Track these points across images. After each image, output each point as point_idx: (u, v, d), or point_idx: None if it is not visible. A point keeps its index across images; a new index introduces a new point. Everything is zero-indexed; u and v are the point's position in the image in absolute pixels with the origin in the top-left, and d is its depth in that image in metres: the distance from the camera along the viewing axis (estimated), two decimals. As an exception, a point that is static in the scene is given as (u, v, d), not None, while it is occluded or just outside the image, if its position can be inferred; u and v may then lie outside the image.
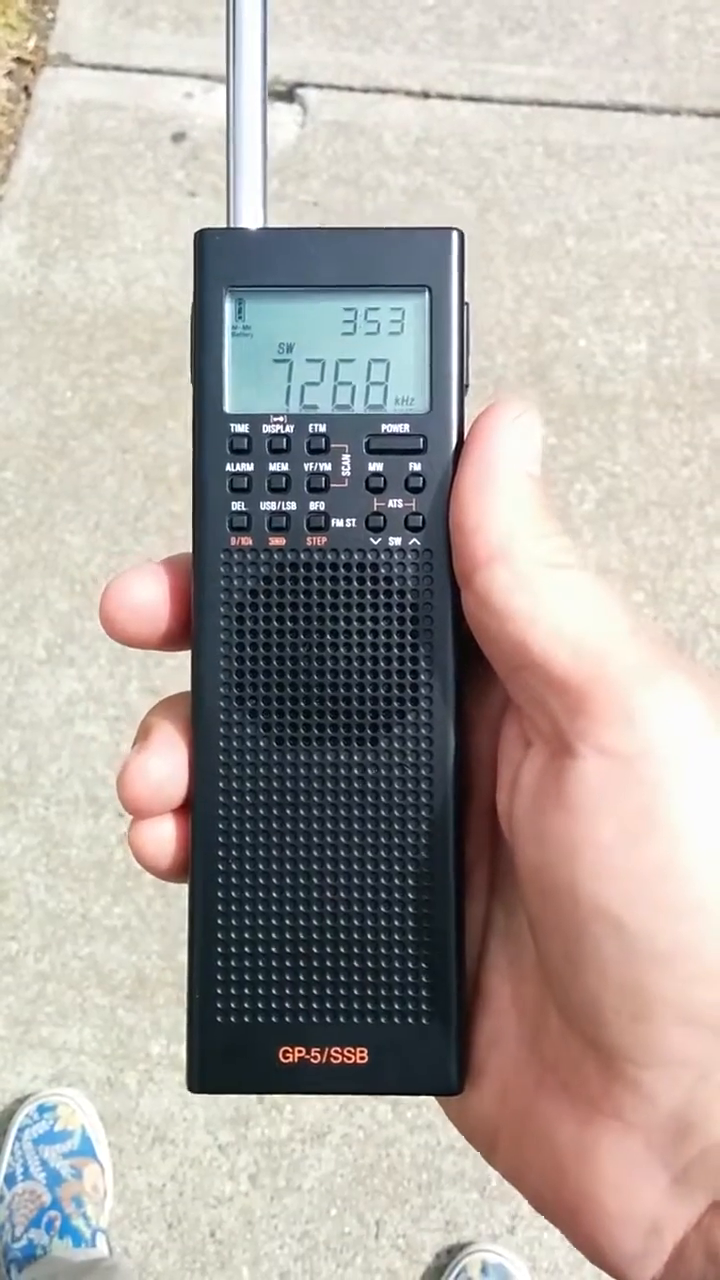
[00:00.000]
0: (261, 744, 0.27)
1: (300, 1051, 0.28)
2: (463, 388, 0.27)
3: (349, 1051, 0.28)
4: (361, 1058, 0.28)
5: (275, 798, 0.27)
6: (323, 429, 0.26)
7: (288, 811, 0.27)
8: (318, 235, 0.27)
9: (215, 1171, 1.21)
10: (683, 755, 0.23)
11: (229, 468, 0.27)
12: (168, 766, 0.28)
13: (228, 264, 0.27)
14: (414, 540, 0.26)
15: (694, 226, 1.59)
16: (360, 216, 1.63)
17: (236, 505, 0.27)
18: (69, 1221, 1.16)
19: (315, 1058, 0.28)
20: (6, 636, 1.44)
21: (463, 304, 0.27)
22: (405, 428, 0.26)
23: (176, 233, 1.64)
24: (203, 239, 0.28)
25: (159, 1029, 1.25)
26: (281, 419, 0.26)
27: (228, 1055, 0.28)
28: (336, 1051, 0.28)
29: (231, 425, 0.26)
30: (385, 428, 0.26)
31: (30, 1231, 1.16)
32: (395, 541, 0.26)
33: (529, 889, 0.25)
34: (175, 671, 1.41)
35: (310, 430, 0.26)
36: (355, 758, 0.27)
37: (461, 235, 0.27)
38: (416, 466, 0.26)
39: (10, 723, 1.39)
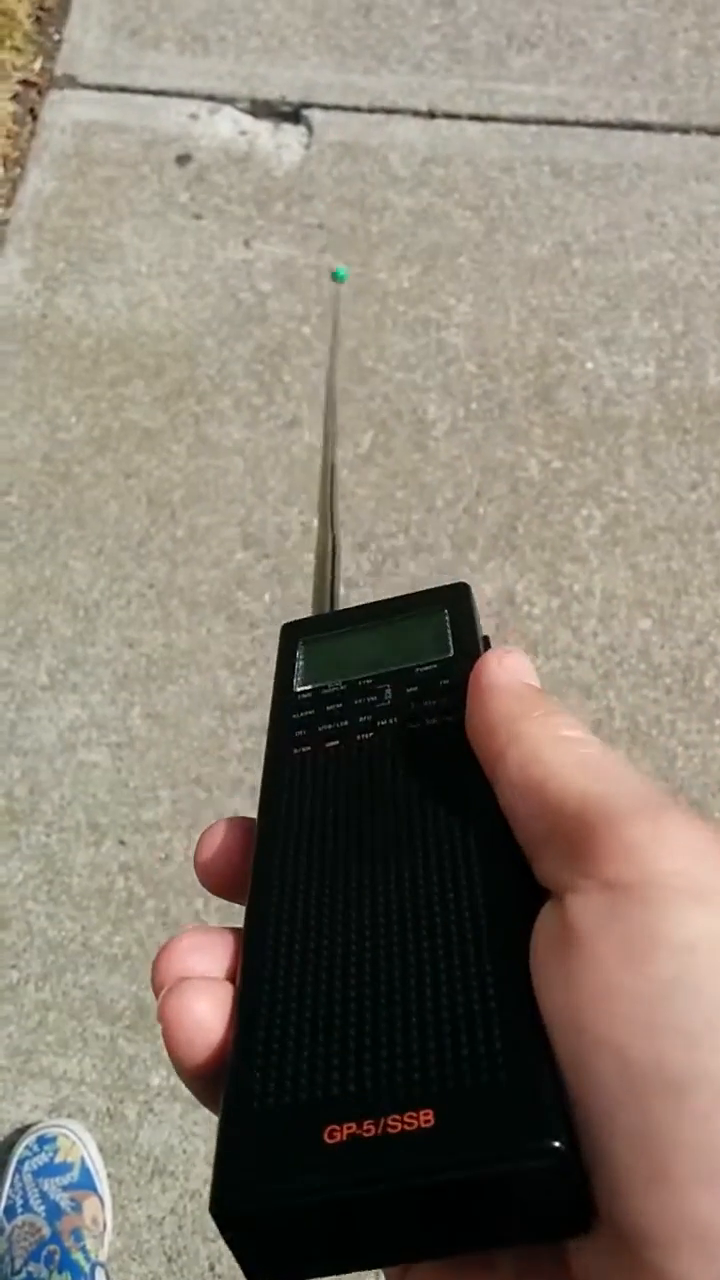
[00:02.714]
0: (316, 858, 0.29)
1: (350, 1127, 0.23)
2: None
3: (411, 1116, 0.22)
4: (427, 1120, 0.22)
5: (326, 896, 0.28)
6: (370, 681, 0.33)
7: (339, 906, 0.28)
8: (371, 605, 0.37)
9: (215, 1206, 1.20)
10: (686, 876, 0.22)
11: (293, 716, 0.33)
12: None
13: (302, 633, 0.37)
14: (449, 718, 0.31)
15: (703, 246, 1.57)
16: (366, 238, 1.62)
17: (300, 732, 0.32)
18: (68, 1255, 1.15)
19: (369, 1130, 0.22)
20: (9, 662, 1.43)
21: (479, 627, 0.34)
22: (434, 666, 0.33)
23: (181, 255, 1.64)
24: (284, 629, 0.37)
25: (159, 1060, 1.24)
26: (337, 682, 0.34)
27: (260, 1150, 0.23)
28: (395, 1119, 0.22)
29: (299, 695, 0.34)
30: (419, 669, 0.33)
31: (29, 1265, 1.16)
32: (431, 721, 0.31)
33: (553, 1040, 0.23)
34: (177, 697, 1.40)
35: (359, 684, 0.33)
36: (406, 864, 0.28)
37: (471, 589, 0.35)
38: (446, 681, 0.32)
39: (12, 749, 1.39)
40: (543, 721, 0.28)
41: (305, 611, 1.41)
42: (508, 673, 0.30)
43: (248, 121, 1.73)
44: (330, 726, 0.32)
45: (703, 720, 1.34)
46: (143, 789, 1.36)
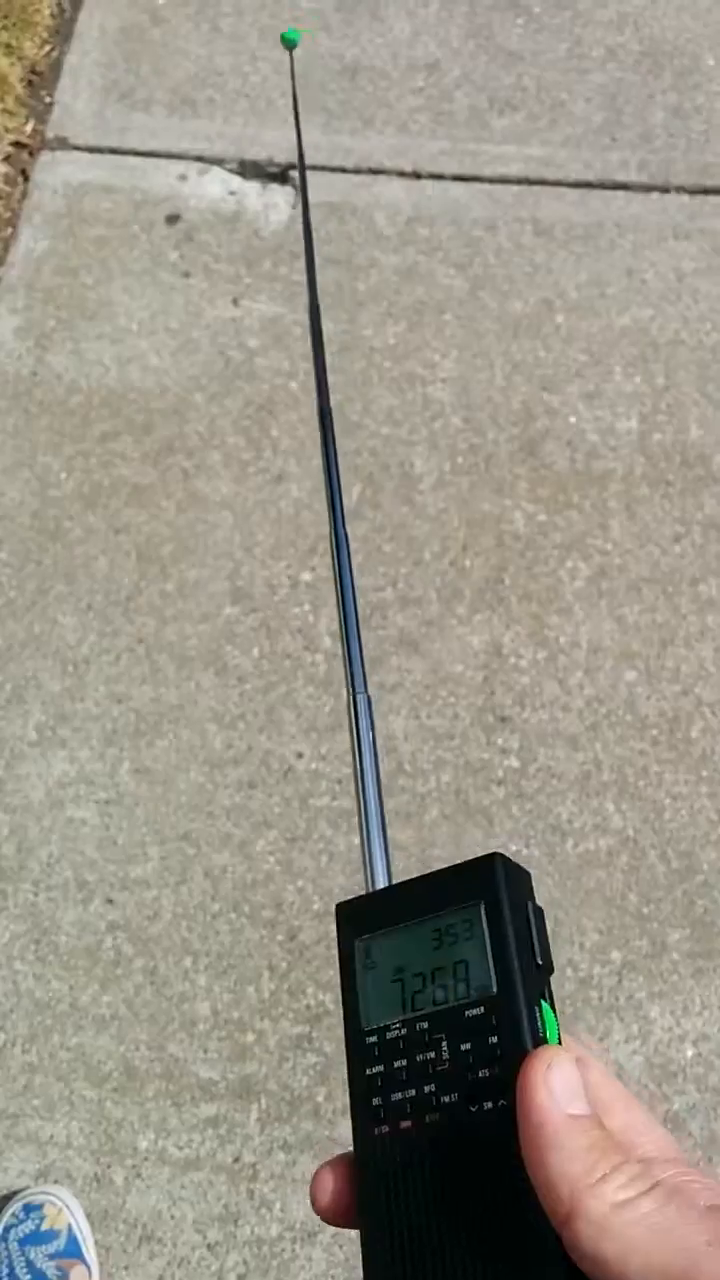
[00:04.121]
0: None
1: None
2: (526, 965, 0.36)
3: None
4: None
5: None
6: (426, 1025, 0.36)
7: None
8: (410, 884, 0.39)
9: (204, 1272, 1.18)
10: None
11: (367, 1070, 0.37)
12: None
13: (356, 922, 0.40)
14: (502, 1102, 0.33)
15: (683, 302, 1.60)
16: (352, 296, 1.65)
17: (375, 1100, 0.37)
18: (54, 1326, 1.13)
19: None
20: (-2, 718, 1.44)
21: (518, 905, 0.36)
22: (481, 1010, 0.35)
23: (170, 313, 1.67)
24: (339, 910, 0.40)
25: (147, 1123, 1.23)
26: (398, 1024, 0.37)
27: None
28: None
29: (366, 1038, 0.38)
30: (468, 1013, 0.35)
31: (15, 1336, 1.14)
32: (488, 1105, 0.34)
33: None
34: (165, 752, 1.40)
35: (418, 1029, 0.36)
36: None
37: (503, 858, 0.37)
38: (494, 1039, 0.34)
39: (0, 806, 1.39)
40: (601, 1190, 0.30)
41: (294, 665, 1.41)
42: (558, 1104, 0.31)
43: (236, 182, 1.76)
44: (400, 1096, 0.36)
45: (690, 771, 1.34)
46: (131, 845, 1.36)
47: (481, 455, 1.53)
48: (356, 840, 1.39)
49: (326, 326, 1.62)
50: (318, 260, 1.69)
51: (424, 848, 1.31)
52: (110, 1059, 1.26)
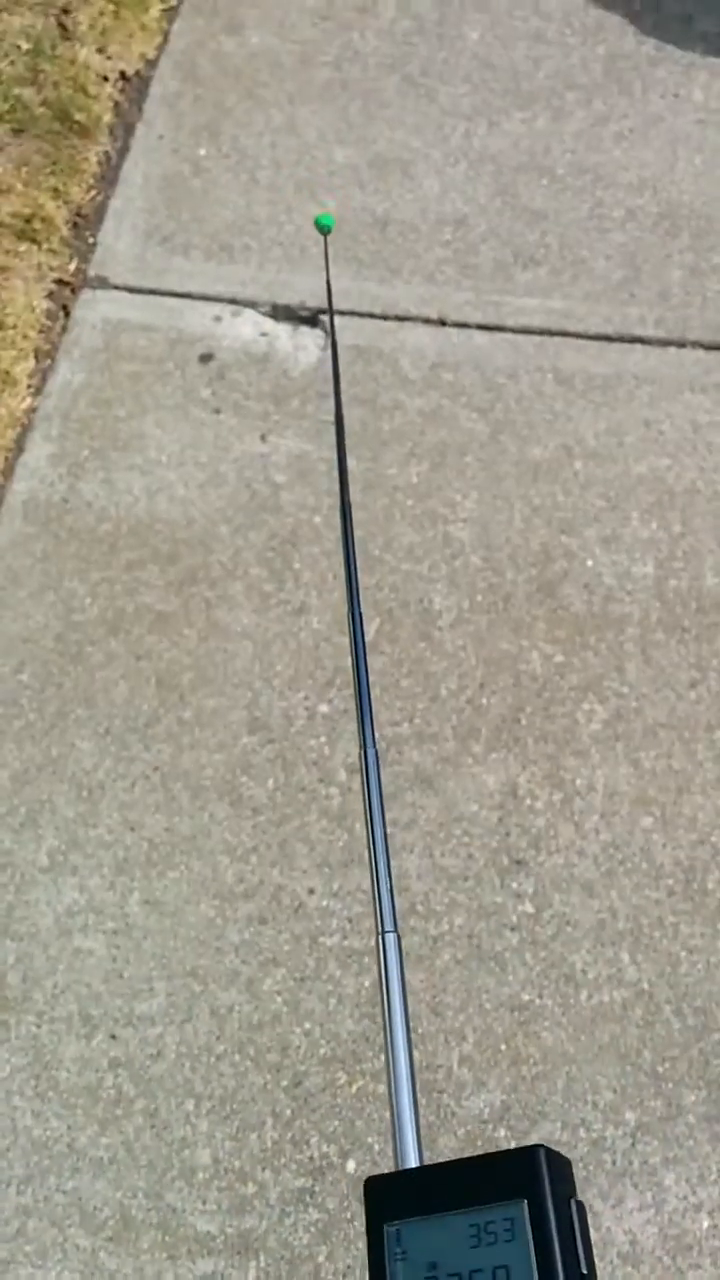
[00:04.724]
0: None
1: None
2: (571, 1276, 0.33)
3: None
4: None
5: None
6: None
7: None
8: (445, 1167, 0.36)
9: None
10: None
11: None
12: None
13: (387, 1202, 0.37)
14: None
15: (699, 453, 1.65)
16: (377, 435, 1.70)
17: None
18: None
19: None
20: (11, 842, 1.43)
21: (562, 1204, 0.34)
22: None
23: (200, 447, 1.72)
24: (368, 1185, 0.37)
25: (141, 1277, 1.18)
26: None
27: None
28: None
29: None
30: None
31: None
32: None
33: None
34: (176, 884, 1.39)
35: None
36: None
37: (547, 1150, 0.35)
38: None
39: (8, 933, 1.38)
40: None
41: (309, 798, 1.40)
42: None
43: (268, 324, 1.84)
44: None
45: (706, 924, 1.33)
46: (137, 979, 1.34)
47: (500, 595, 1.56)
48: (366, 982, 1.38)
49: (351, 464, 1.67)
50: (343, 399, 1.75)
51: (434, 994, 1.29)
52: (106, 1205, 1.22)
